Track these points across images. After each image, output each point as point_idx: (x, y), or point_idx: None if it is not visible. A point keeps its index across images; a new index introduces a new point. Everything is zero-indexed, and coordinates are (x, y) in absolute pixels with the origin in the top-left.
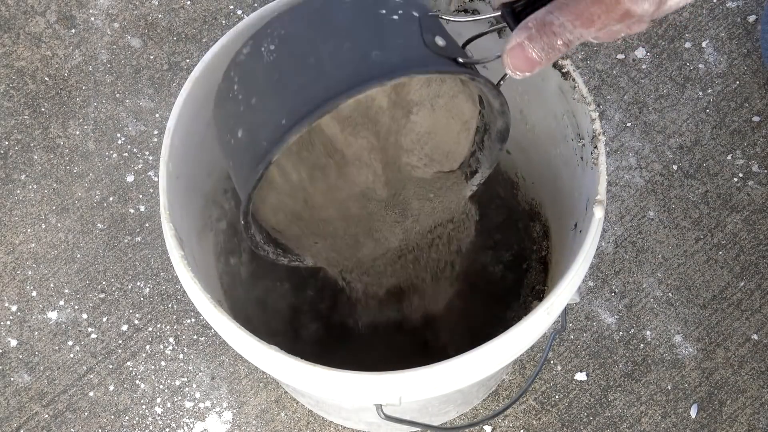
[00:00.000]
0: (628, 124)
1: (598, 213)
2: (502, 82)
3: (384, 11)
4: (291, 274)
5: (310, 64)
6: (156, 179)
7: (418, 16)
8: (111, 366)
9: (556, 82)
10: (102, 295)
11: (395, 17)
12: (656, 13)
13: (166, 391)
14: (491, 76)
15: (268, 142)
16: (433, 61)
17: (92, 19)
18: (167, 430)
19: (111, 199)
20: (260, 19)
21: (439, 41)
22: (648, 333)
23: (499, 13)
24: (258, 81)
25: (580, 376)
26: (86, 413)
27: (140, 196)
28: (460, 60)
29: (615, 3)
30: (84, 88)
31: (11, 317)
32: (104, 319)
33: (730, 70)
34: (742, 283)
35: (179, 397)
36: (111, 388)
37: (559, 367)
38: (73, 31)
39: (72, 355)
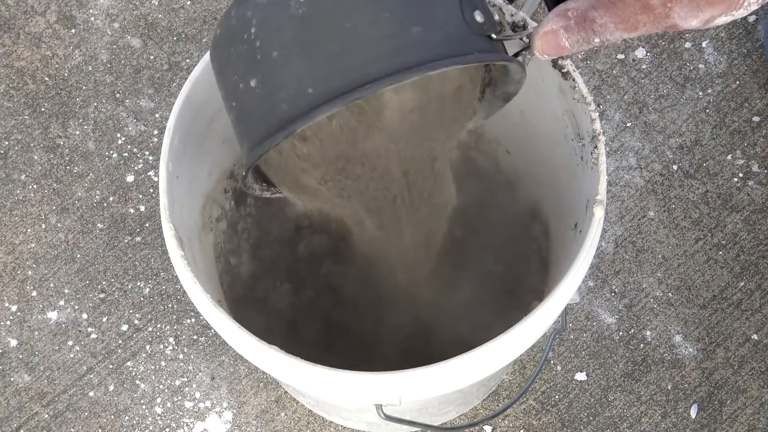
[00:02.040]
0: (628, 124)
1: (598, 213)
2: (525, 54)
3: None
4: (291, 274)
5: (344, 31)
6: (156, 179)
7: None
8: (111, 366)
9: (556, 82)
10: (102, 295)
11: None
12: (700, 28)
13: (166, 391)
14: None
15: (289, 107)
16: (472, 45)
17: (92, 19)
18: (167, 430)
19: (111, 199)
20: None
21: (478, 17)
22: (648, 333)
23: None
24: (283, 34)
25: (580, 376)
26: (86, 413)
27: (140, 196)
28: (494, 36)
29: (664, 16)
30: (84, 88)
31: (11, 317)
32: (104, 319)
33: (730, 70)
34: (742, 283)
35: (179, 397)
36: (111, 388)
37: (559, 367)
38: (73, 31)
39: (72, 355)
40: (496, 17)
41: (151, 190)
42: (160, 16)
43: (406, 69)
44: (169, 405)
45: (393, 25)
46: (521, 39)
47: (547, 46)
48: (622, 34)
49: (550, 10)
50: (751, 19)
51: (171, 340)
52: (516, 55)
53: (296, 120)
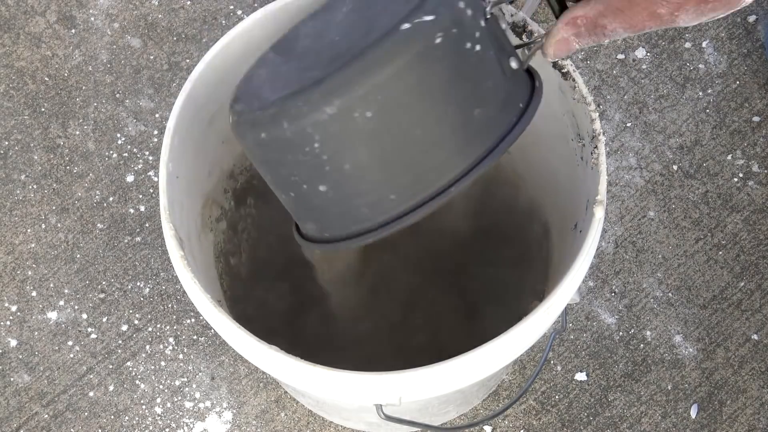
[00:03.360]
0: (628, 124)
1: (598, 213)
2: (526, 51)
3: (469, 44)
4: (291, 274)
5: (416, 136)
6: (156, 179)
7: (485, 27)
8: (111, 366)
9: (556, 82)
10: (102, 295)
11: (478, 48)
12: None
13: (166, 391)
14: None
15: (372, 212)
16: (518, 97)
17: (92, 19)
18: (167, 430)
19: (111, 199)
20: (260, 19)
21: (513, 64)
22: (648, 333)
23: None
24: (353, 149)
25: (580, 376)
26: (86, 413)
27: (140, 196)
28: (514, 66)
29: (670, 21)
30: (84, 88)
31: (11, 317)
32: (104, 319)
33: (730, 70)
34: (742, 283)
35: (179, 397)
36: (111, 388)
37: (559, 367)
38: (73, 31)
39: (72, 355)
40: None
41: (151, 190)
42: (160, 16)
43: (483, 158)
44: (169, 405)
45: (458, 116)
46: (531, 48)
47: (559, 52)
48: (629, 34)
49: (557, 16)
50: (751, 19)
51: (171, 340)
52: (518, 47)
53: (386, 224)
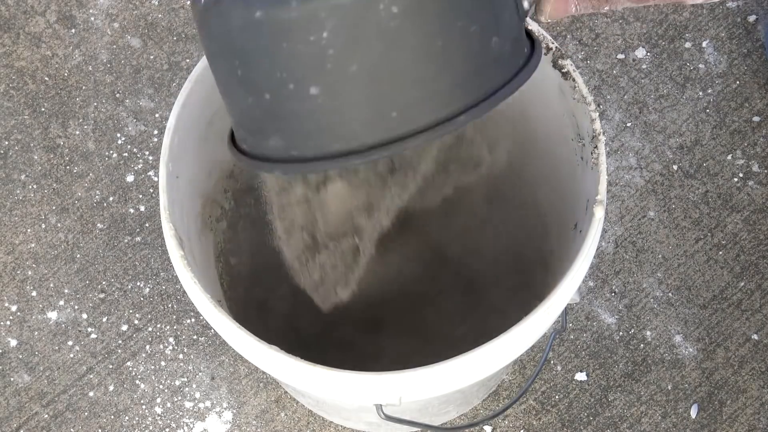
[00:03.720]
0: (628, 124)
1: (598, 213)
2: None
3: None
4: (291, 274)
5: (436, 49)
6: (156, 179)
7: None
8: (111, 366)
9: (556, 82)
10: (102, 295)
11: None
12: (708, 2)
13: (166, 391)
14: None
15: (364, 129)
16: (524, 41)
17: (92, 19)
18: (167, 430)
19: (111, 199)
20: None
21: (525, 3)
22: (648, 333)
23: None
24: (368, 49)
25: (580, 376)
26: (86, 413)
27: (140, 196)
28: (525, 6)
29: None
30: (84, 88)
31: (11, 317)
32: (104, 319)
33: (730, 70)
34: (742, 283)
35: (179, 397)
36: (111, 388)
37: (559, 367)
38: (73, 31)
39: (72, 355)
40: None
41: (151, 190)
42: (160, 16)
43: (491, 96)
44: (169, 405)
45: (479, 37)
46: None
47: (556, 12)
48: (632, 4)
49: None
50: (751, 19)
51: (171, 340)
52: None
53: (377, 147)
